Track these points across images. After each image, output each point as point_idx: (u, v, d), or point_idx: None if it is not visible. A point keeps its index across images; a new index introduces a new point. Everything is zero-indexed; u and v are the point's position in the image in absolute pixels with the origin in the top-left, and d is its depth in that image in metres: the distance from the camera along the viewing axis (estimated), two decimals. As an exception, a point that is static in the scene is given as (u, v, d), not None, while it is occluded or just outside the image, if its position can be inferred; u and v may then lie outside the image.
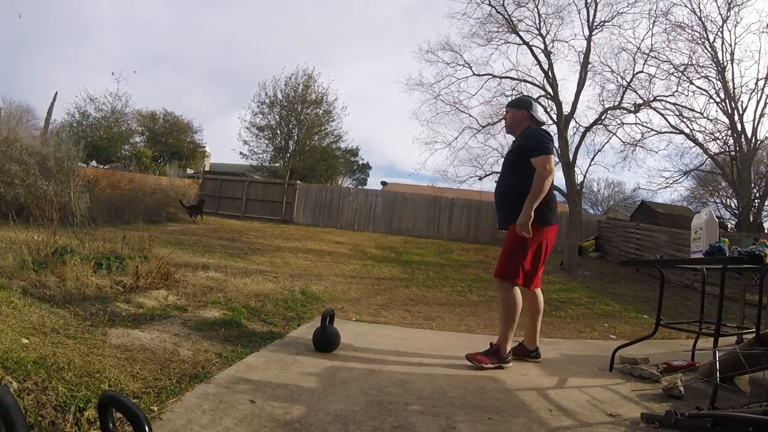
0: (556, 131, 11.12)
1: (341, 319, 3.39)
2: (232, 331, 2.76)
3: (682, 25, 11.36)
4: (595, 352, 3.15)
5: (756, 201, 11.84)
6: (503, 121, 2.88)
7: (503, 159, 2.85)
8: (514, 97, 3.10)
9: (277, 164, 17.07)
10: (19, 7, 38.43)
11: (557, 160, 11.10)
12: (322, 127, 17.06)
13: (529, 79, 11.61)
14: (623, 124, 11.47)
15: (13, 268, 3.16)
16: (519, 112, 2.74)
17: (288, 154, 15.93)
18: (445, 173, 13.04)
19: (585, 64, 10.96)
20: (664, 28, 11.14)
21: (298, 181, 15.23)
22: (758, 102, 11.55)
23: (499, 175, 2.92)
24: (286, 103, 15.99)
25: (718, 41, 11.63)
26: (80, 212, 5.21)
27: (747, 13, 24.89)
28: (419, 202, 14.30)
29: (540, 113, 2.83)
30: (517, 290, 2.54)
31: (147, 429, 0.85)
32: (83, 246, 4.00)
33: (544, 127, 2.81)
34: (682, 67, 11.23)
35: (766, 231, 11.77)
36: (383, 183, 26.17)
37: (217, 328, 2.78)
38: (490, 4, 11.33)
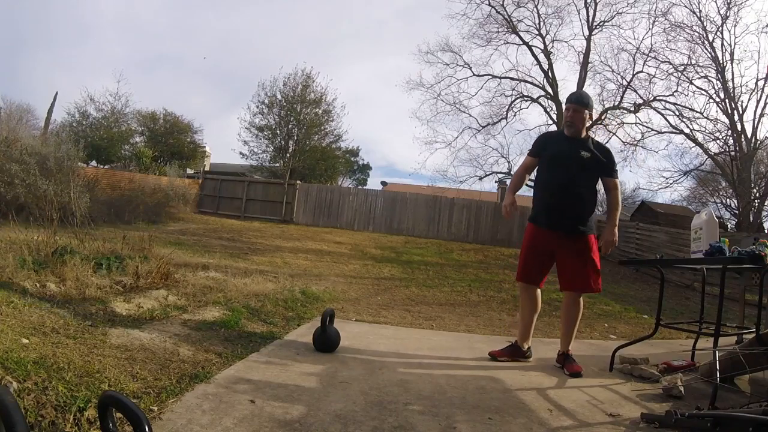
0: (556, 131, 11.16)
1: (341, 319, 3.39)
2: (232, 331, 2.76)
3: (682, 25, 11.40)
4: (595, 352, 3.15)
5: (756, 201, 11.84)
6: (569, 118, 2.65)
7: (568, 158, 2.60)
8: (576, 93, 2.91)
9: (277, 164, 17.06)
10: (18, 7, 38.45)
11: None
12: (322, 127, 17.05)
13: (529, 79, 11.67)
14: (623, 123, 11.52)
15: (13, 268, 3.15)
16: (588, 114, 2.68)
17: (288, 154, 15.92)
18: (445, 173, 13.08)
19: (585, 64, 10.99)
20: (663, 28, 11.20)
21: (298, 181, 15.23)
22: (758, 102, 11.59)
23: (560, 173, 2.61)
24: (285, 103, 15.98)
25: (718, 41, 11.66)
26: (80, 212, 5.22)
27: (746, 13, 24.91)
28: (419, 202, 14.29)
29: None
30: None
31: (147, 429, 0.85)
32: (83, 246, 4.00)
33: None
34: (682, 67, 11.27)
35: (766, 231, 11.77)
36: (383, 183, 26.20)
37: (217, 328, 2.78)
38: (489, 5, 11.39)
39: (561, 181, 2.63)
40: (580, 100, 2.69)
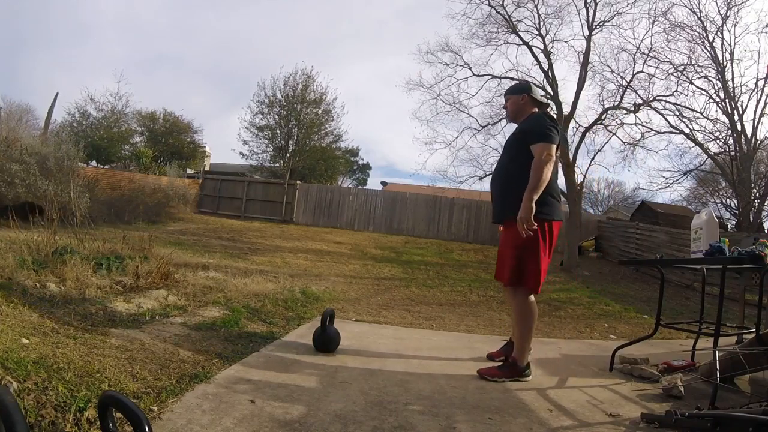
0: (555, 131, 11.15)
1: (341, 319, 3.39)
2: (232, 331, 2.76)
3: (682, 24, 11.36)
4: (595, 352, 3.15)
5: (756, 201, 11.83)
6: (504, 111, 2.72)
7: (502, 147, 2.65)
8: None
9: (277, 164, 17.06)
10: (18, 7, 38.47)
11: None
12: (322, 127, 17.04)
13: (529, 79, 11.61)
14: (623, 124, 11.47)
15: (13, 268, 3.16)
16: (519, 97, 2.58)
17: (288, 154, 15.90)
18: (445, 173, 13.03)
19: (585, 64, 10.96)
20: (663, 28, 11.15)
21: (298, 181, 15.23)
22: (758, 102, 11.56)
23: (496, 164, 2.65)
24: (285, 103, 15.97)
25: (718, 41, 11.64)
26: (80, 212, 5.22)
27: (746, 13, 24.92)
28: (419, 202, 14.29)
29: (540, 95, 2.64)
30: (532, 296, 2.36)
31: (147, 429, 0.85)
32: (83, 246, 4.00)
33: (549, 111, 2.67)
34: (682, 67, 11.23)
35: (766, 231, 11.77)
36: (383, 183, 26.19)
37: (217, 328, 2.78)
38: (489, 5, 11.34)
39: (495, 170, 2.64)
40: (505, 93, 2.76)
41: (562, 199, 11.60)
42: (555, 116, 10.81)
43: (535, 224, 2.19)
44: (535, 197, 2.21)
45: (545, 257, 2.34)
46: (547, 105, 2.65)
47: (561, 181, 10.85)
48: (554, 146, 2.30)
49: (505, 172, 2.44)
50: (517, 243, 2.30)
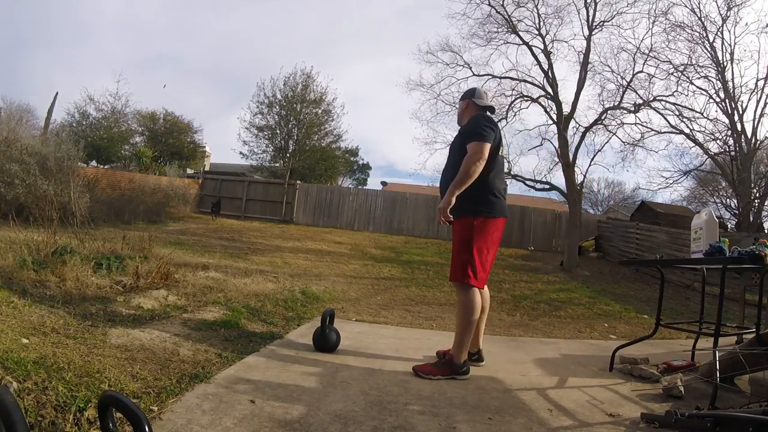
0: (556, 131, 11.13)
1: (341, 319, 3.39)
2: (232, 331, 2.76)
3: (682, 24, 11.35)
4: (595, 352, 3.15)
5: (756, 201, 11.82)
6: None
7: (449, 149, 2.70)
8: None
9: (277, 164, 17.06)
10: (18, 7, 38.50)
11: (556, 159, 11.09)
12: (322, 127, 17.03)
13: (529, 79, 11.60)
14: (623, 124, 11.45)
15: (13, 268, 3.16)
16: (463, 102, 2.70)
17: (288, 154, 15.90)
18: (445, 173, 13.03)
19: (585, 64, 10.95)
20: (663, 27, 11.14)
21: (298, 181, 15.23)
22: (758, 102, 11.55)
23: (444, 165, 2.68)
24: (285, 103, 15.96)
25: (718, 41, 11.63)
26: (80, 212, 5.21)
27: (746, 13, 24.94)
28: (419, 202, 14.30)
29: (486, 99, 2.65)
30: (476, 291, 2.37)
31: (147, 429, 0.86)
32: (83, 246, 4.00)
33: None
34: (682, 67, 11.22)
35: (766, 231, 11.76)
36: (383, 183, 26.20)
37: (217, 328, 2.78)
38: (489, 5, 11.32)
39: (442, 172, 2.67)
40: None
41: (562, 199, 11.62)
42: (555, 118, 10.89)
43: (452, 217, 2.31)
44: (458, 191, 2.29)
45: (485, 253, 2.40)
46: (493, 109, 2.72)
47: (560, 182, 10.86)
48: (488, 145, 2.36)
49: (450, 173, 2.49)
50: (459, 239, 2.39)
